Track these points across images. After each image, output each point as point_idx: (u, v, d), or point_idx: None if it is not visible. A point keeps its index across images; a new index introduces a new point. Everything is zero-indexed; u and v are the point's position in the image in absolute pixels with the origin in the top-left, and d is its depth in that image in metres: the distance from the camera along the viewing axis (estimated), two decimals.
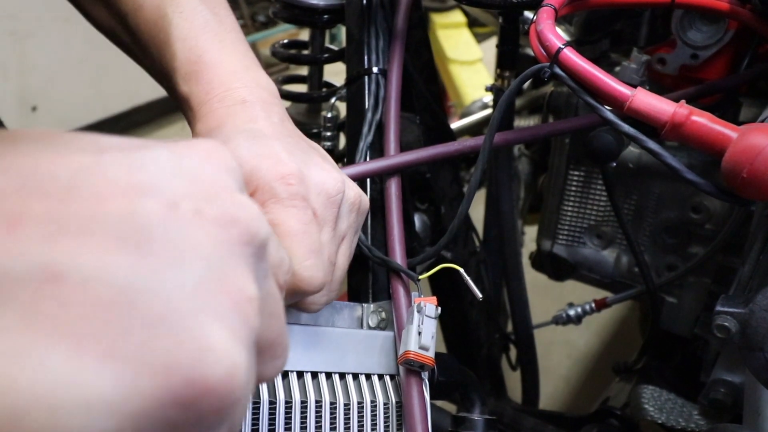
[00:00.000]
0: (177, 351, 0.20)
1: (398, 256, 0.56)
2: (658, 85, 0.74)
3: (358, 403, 0.48)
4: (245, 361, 0.21)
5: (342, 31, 0.79)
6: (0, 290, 0.18)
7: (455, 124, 1.37)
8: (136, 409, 0.19)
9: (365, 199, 0.50)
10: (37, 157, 0.20)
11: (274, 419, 0.44)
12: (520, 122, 1.17)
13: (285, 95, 0.98)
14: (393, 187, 0.59)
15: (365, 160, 0.65)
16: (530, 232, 1.12)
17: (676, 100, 0.49)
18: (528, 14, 0.84)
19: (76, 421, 0.18)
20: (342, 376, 0.49)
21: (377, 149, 0.66)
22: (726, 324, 0.50)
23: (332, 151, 0.92)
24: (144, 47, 0.54)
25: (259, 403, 0.43)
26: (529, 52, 1.11)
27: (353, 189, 0.48)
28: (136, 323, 0.19)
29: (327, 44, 0.97)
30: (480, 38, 1.95)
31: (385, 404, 0.49)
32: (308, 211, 0.42)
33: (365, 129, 0.66)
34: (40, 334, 0.18)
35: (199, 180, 0.23)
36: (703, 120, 0.47)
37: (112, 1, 0.54)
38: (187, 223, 0.22)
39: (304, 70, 1.02)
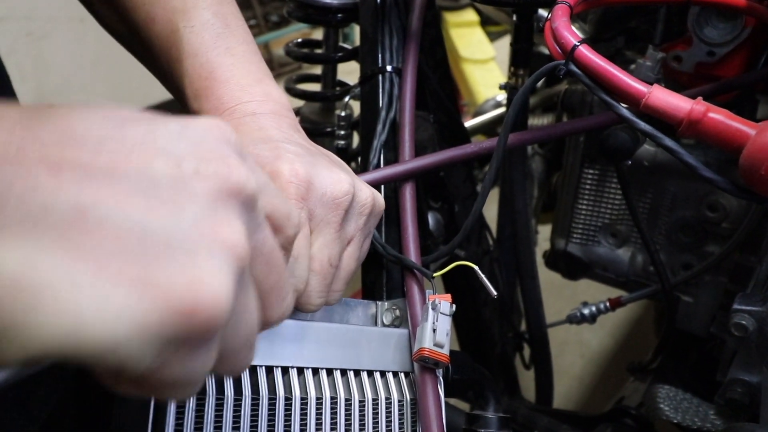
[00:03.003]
0: (175, 279, 0.24)
1: (412, 254, 0.56)
2: (674, 83, 0.74)
3: (373, 400, 0.48)
4: (230, 289, 0.26)
5: (355, 30, 0.79)
6: (42, 218, 0.23)
7: (468, 123, 1.36)
8: (140, 320, 0.23)
9: (380, 201, 0.50)
10: (74, 120, 0.25)
11: (290, 416, 0.44)
12: (533, 121, 1.16)
13: (299, 94, 0.98)
14: (407, 186, 0.60)
15: (379, 158, 0.65)
16: (544, 231, 1.11)
17: (693, 98, 0.49)
18: (542, 12, 0.84)
19: (95, 324, 0.22)
20: (357, 373, 0.49)
21: (391, 147, 0.66)
22: (743, 322, 0.49)
23: (346, 150, 0.93)
24: (156, 59, 0.54)
25: (275, 399, 0.43)
26: (543, 50, 1.11)
27: (365, 191, 0.48)
28: (143, 255, 0.24)
29: (340, 43, 0.97)
30: (493, 37, 1.94)
31: (399, 401, 0.50)
32: (302, 214, 0.43)
33: (379, 127, 0.66)
34: (70, 254, 0.23)
35: (199, 145, 0.28)
36: (720, 117, 0.47)
37: (125, 13, 0.55)
38: (188, 179, 0.26)
39: (317, 69, 1.02)
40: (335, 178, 0.45)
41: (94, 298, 0.23)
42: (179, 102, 0.54)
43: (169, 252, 0.24)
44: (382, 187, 0.62)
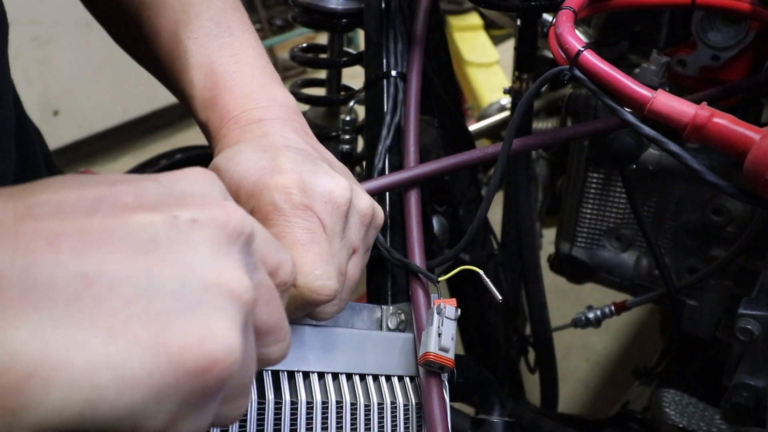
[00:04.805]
0: (186, 337, 0.24)
1: (417, 259, 0.56)
2: (678, 87, 0.74)
3: (378, 404, 0.48)
4: (240, 341, 0.26)
5: (359, 35, 0.80)
6: (48, 292, 0.23)
7: (472, 127, 1.36)
8: (157, 382, 0.23)
9: (379, 213, 0.49)
10: (63, 190, 0.26)
11: (296, 420, 0.44)
12: (537, 124, 1.17)
13: (304, 99, 0.98)
14: (413, 192, 0.60)
15: (384, 162, 0.65)
16: (548, 235, 1.11)
17: (697, 102, 0.49)
18: (546, 16, 0.84)
19: (113, 393, 0.22)
20: (362, 377, 0.49)
21: (396, 152, 0.66)
22: (749, 327, 0.49)
23: (350, 154, 0.93)
24: (163, 71, 0.55)
25: (281, 403, 0.44)
26: (547, 54, 1.11)
27: (365, 200, 0.47)
28: (152, 316, 0.24)
29: (344, 48, 0.97)
30: (496, 41, 1.95)
31: (404, 405, 0.50)
32: (314, 219, 0.42)
33: (384, 132, 0.66)
34: (82, 325, 0.23)
35: (190, 196, 0.28)
36: (724, 121, 0.47)
37: (131, 26, 0.55)
38: (187, 230, 0.27)
39: (322, 74, 1.03)
40: (335, 183, 0.44)
41: (110, 367, 0.23)
42: (189, 112, 0.54)
43: (178, 309, 0.25)
44: (387, 191, 0.62)
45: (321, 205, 0.43)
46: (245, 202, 0.43)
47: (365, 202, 0.47)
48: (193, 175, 0.30)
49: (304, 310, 0.42)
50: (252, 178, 0.43)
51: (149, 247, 0.25)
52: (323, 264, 0.41)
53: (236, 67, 0.50)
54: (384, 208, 0.59)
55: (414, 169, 0.60)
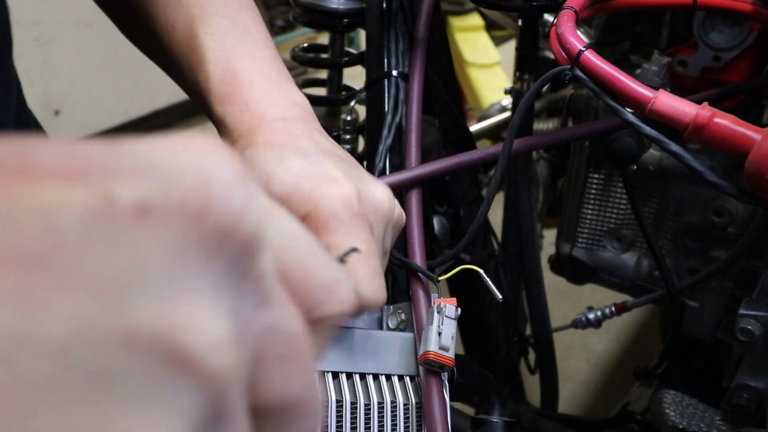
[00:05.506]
0: None
1: (418, 258, 0.56)
2: (680, 88, 0.74)
3: (378, 403, 0.48)
4: None
5: (360, 35, 0.80)
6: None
7: (473, 128, 1.36)
8: None
9: (404, 218, 0.50)
10: None
11: None
12: (539, 125, 1.16)
13: None
14: (413, 191, 0.60)
15: (385, 162, 0.65)
16: (549, 236, 1.11)
17: (698, 103, 0.49)
18: (548, 17, 0.84)
19: None
20: (362, 376, 0.49)
21: (397, 152, 0.66)
22: (750, 327, 0.49)
23: (351, 154, 0.93)
24: (177, 66, 0.54)
25: None
26: (548, 54, 1.11)
27: (398, 207, 0.48)
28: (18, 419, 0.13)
29: (345, 48, 0.97)
30: (497, 41, 1.95)
31: (405, 405, 0.50)
32: (368, 230, 0.42)
33: (385, 132, 0.66)
34: None
35: (169, 169, 0.16)
36: (726, 122, 0.47)
37: (145, 20, 0.55)
38: (125, 220, 0.15)
39: (323, 74, 1.03)
40: (381, 192, 0.45)
41: None
42: (202, 109, 0.54)
43: (70, 398, 0.13)
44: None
45: (372, 214, 0.44)
46: (298, 206, 0.42)
47: (399, 209, 0.48)
48: (202, 145, 0.17)
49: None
50: (306, 184, 0.42)
51: (38, 251, 0.13)
52: (379, 276, 0.42)
53: (254, 65, 0.50)
54: None
55: (415, 169, 0.60)
